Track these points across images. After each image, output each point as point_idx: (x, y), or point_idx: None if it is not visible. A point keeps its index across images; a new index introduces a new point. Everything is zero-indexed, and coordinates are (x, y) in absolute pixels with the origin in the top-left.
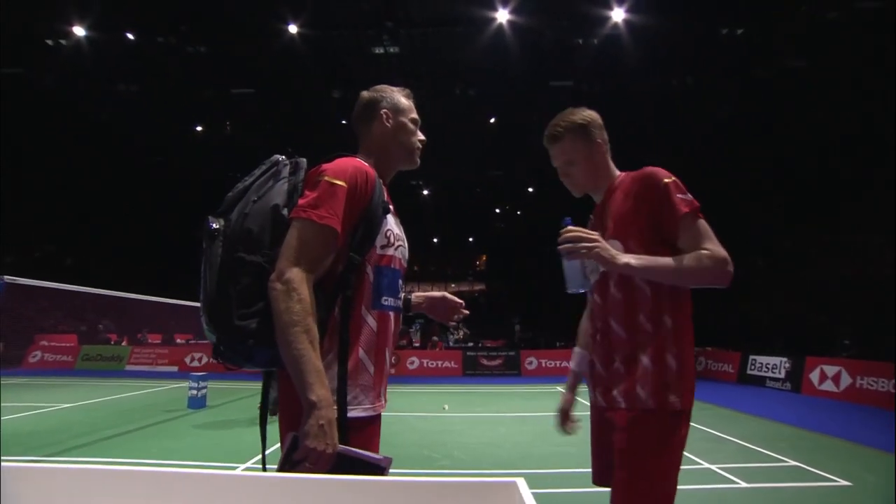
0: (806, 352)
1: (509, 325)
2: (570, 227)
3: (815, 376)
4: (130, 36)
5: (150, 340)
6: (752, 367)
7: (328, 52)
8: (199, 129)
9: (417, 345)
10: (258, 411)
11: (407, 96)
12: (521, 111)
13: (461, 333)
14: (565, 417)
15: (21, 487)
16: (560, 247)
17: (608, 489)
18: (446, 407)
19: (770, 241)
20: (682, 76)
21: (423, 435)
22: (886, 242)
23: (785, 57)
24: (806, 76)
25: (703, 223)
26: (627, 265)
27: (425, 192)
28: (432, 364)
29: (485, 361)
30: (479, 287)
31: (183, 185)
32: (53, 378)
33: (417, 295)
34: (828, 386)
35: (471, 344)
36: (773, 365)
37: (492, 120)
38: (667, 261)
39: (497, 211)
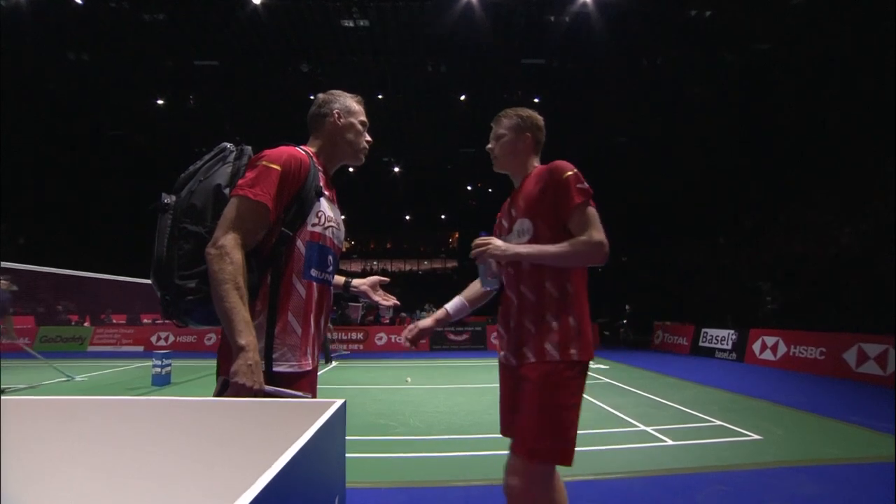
0: (752, 324)
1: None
2: (478, 239)
3: (756, 346)
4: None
5: (114, 321)
6: (704, 340)
7: (295, 23)
8: (160, 102)
9: (387, 322)
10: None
11: (358, 102)
12: (493, 88)
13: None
14: (416, 330)
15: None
16: (471, 253)
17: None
18: (409, 379)
19: (733, 219)
20: (651, 56)
21: (384, 405)
22: (837, 223)
23: (751, 39)
24: (771, 58)
25: (591, 211)
26: (517, 254)
27: (396, 170)
28: (400, 339)
29: (452, 336)
30: (451, 264)
31: (146, 159)
32: (10, 360)
33: (357, 280)
34: (767, 355)
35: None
36: (721, 337)
37: (462, 97)
38: (550, 247)
39: (469, 188)
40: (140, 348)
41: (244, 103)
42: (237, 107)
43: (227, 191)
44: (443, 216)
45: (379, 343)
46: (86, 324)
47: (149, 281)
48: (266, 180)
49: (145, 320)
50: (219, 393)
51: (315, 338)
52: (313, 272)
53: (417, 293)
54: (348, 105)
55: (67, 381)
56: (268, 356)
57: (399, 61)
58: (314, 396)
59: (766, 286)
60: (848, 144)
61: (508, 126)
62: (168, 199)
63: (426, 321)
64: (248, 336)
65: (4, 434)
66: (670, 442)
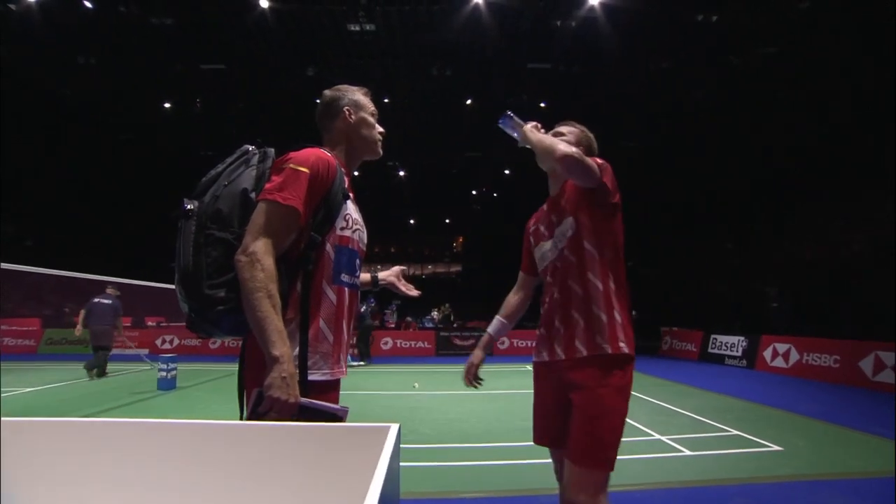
0: (762, 331)
1: (485, 305)
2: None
3: (768, 353)
4: (88, 4)
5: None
6: (713, 346)
7: (302, 28)
8: (167, 105)
9: (392, 326)
10: (230, 389)
11: (365, 94)
12: (499, 92)
13: (440, 314)
14: (474, 370)
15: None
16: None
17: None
18: (416, 385)
19: (739, 224)
20: (657, 60)
21: (393, 412)
22: (847, 227)
23: (758, 44)
24: (778, 63)
25: (596, 162)
26: (524, 132)
27: (402, 174)
28: (406, 344)
29: (458, 341)
30: (455, 268)
31: (152, 163)
32: (15, 363)
33: (383, 273)
34: (779, 362)
35: (451, 324)
36: (731, 343)
37: (468, 101)
38: (542, 135)
39: (474, 192)
40: (146, 351)
41: (250, 107)
42: (243, 111)
43: (253, 195)
44: (447, 220)
45: (385, 347)
46: None
47: (154, 284)
48: (295, 184)
49: (150, 323)
50: (254, 406)
51: (346, 344)
52: (343, 277)
53: (422, 297)
54: (356, 99)
55: (89, 381)
56: (302, 365)
57: (405, 65)
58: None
59: (775, 292)
60: (859, 149)
61: (570, 132)
62: (191, 204)
63: (477, 355)
64: (282, 347)
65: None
66: (687, 452)
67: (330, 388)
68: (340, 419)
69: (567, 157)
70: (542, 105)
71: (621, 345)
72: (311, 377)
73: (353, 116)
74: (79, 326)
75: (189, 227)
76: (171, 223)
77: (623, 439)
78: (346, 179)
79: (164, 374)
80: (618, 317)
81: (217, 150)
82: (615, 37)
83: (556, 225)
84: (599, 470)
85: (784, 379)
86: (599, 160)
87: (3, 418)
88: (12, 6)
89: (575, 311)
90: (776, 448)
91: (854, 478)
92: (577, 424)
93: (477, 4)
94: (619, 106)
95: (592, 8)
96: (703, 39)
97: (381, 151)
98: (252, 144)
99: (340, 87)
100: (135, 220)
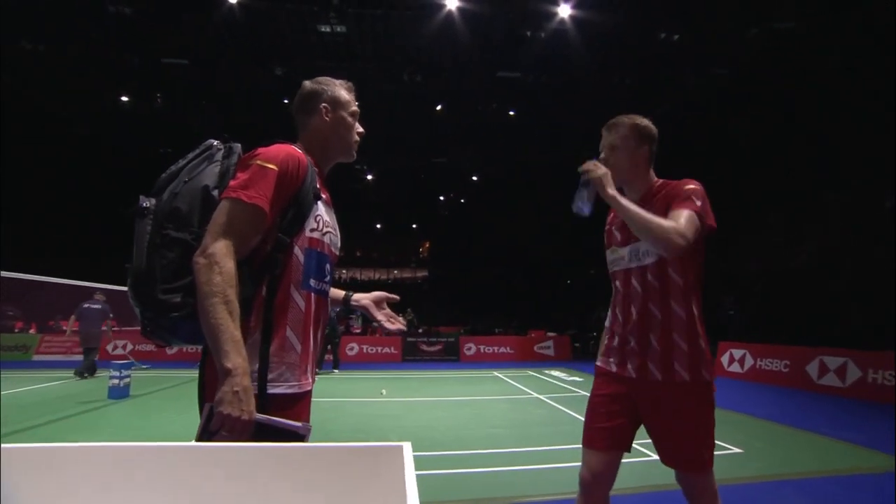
0: (718, 337)
1: (451, 311)
2: (589, 163)
3: (725, 359)
4: None
5: (64, 327)
6: None
7: (271, 26)
8: (124, 99)
9: (358, 331)
10: (189, 396)
11: (349, 90)
12: (468, 99)
13: (405, 320)
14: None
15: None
16: (581, 168)
17: (523, 466)
18: (384, 392)
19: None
20: (621, 74)
21: (361, 419)
22: (791, 240)
23: (714, 64)
24: (731, 83)
25: (693, 215)
26: (612, 197)
27: (369, 178)
28: (372, 350)
29: (424, 347)
30: (421, 273)
31: (105, 159)
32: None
33: (359, 295)
34: (735, 368)
35: (416, 329)
36: None
37: (438, 107)
38: (634, 209)
39: (441, 198)
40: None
41: (214, 105)
42: (207, 108)
43: (215, 193)
44: (414, 225)
45: (350, 353)
46: (31, 331)
47: (104, 286)
48: (261, 181)
49: (102, 327)
50: (204, 424)
51: (314, 354)
52: (312, 282)
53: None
54: (337, 95)
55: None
56: (263, 377)
57: (375, 69)
58: (308, 418)
59: (731, 300)
60: (800, 167)
61: (625, 136)
62: (147, 202)
63: None
64: (235, 358)
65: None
66: (654, 457)
67: (296, 402)
68: (302, 438)
69: (678, 248)
70: (511, 113)
71: (705, 374)
72: (274, 390)
73: (329, 115)
74: (69, 329)
75: (144, 227)
76: (127, 221)
77: None
78: (318, 179)
79: (115, 381)
80: (702, 344)
81: (177, 147)
82: (583, 49)
83: (629, 237)
84: (711, 468)
85: (740, 383)
86: (698, 199)
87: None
88: None
89: (675, 333)
90: (737, 450)
91: (812, 477)
92: (689, 441)
93: (450, 11)
94: (584, 117)
95: (563, 20)
96: (664, 56)
97: (354, 155)
98: (217, 139)
99: (322, 79)
100: (84, 218)
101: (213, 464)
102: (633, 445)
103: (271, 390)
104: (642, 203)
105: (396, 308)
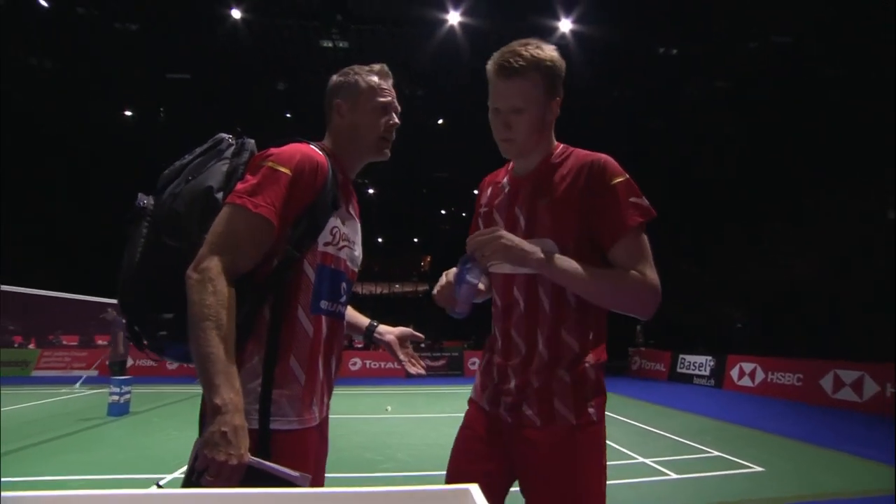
0: (728, 350)
1: (454, 325)
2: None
3: (734, 373)
4: (43, 2)
5: (64, 342)
6: (682, 366)
7: (274, 41)
8: (127, 113)
9: (360, 346)
10: (190, 413)
11: (380, 74)
12: (469, 114)
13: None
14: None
15: None
16: (470, 244)
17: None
18: (389, 408)
19: (700, 247)
20: (621, 88)
21: (366, 437)
22: (799, 251)
23: (713, 77)
24: (733, 94)
25: (644, 239)
26: (541, 263)
27: (371, 191)
28: (375, 365)
29: (429, 362)
30: (422, 288)
31: (106, 173)
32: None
33: (383, 328)
34: (745, 381)
35: (422, 345)
36: (699, 363)
37: (440, 121)
38: (589, 271)
39: (443, 212)
40: (95, 373)
41: (217, 119)
42: (210, 122)
43: (219, 195)
44: (415, 240)
45: (353, 368)
46: (31, 346)
47: (105, 300)
48: (272, 187)
49: (100, 342)
50: (192, 462)
51: (325, 384)
52: (324, 304)
53: (388, 316)
54: (358, 88)
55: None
56: (263, 412)
57: None
58: (323, 451)
59: (738, 313)
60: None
61: (534, 86)
62: (145, 200)
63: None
64: (226, 392)
65: None
66: (673, 475)
67: (298, 439)
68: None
69: (656, 306)
70: None
71: (590, 411)
72: (273, 426)
73: (345, 113)
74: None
75: (139, 231)
76: (124, 225)
77: (609, 463)
78: (340, 185)
79: (115, 397)
80: (591, 374)
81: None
82: (584, 65)
83: (522, 229)
84: None
85: (751, 398)
86: (638, 199)
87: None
88: None
89: (560, 368)
90: (758, 469)
91: (838, 498)
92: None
93: (451, 26)
94: (586, 131)
95: (563, 35)
96: (664, 71)
97: (387, 152)
98: (230, 133)
99: (348, 69)
100: (88, 230)
101: None
102: (647, 463)
103: (272, 426)
104: (536, 178)
105: (397, 323)
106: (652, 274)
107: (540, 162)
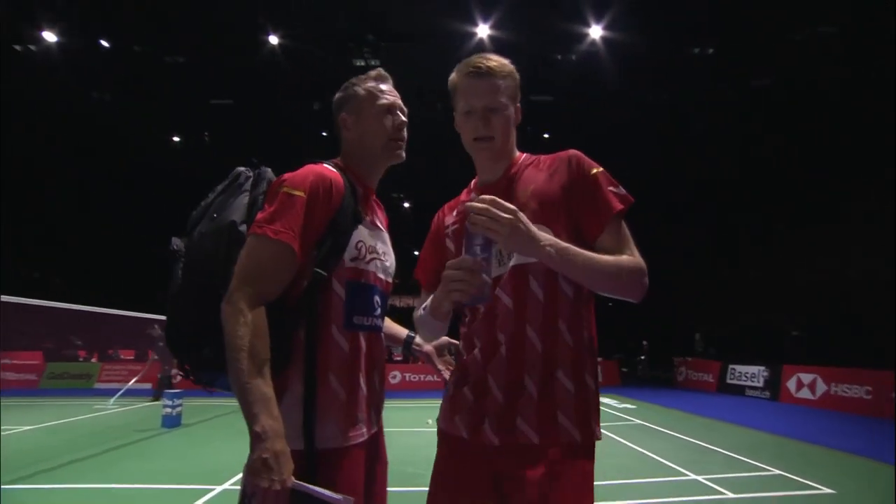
0: (782, 360)
1: None
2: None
3: (792, 384)
4: (105, 43)
5: (122, 356)
6: (732, 377)
7: (309, 63)
8: (176, 139)
9: (399, 358)
10: (239, 424)
11: (376, 78)
12: None
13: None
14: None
15: None
16: (470, 217)
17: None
18: (430, 421)
19: (740, 252)
20: (657, 92)
21: (407, 451)
22: (855, 252)
23: (752, 75)
24: (773, 93)
25: (625, 226)
26: (549, 254)
27: (406, 205)
28: (415, 378)
29: None
30: None
31: (159, 196)
32: (15, 398)
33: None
34: (804, 393)
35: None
36: (751, 374)
37: None
38: (590, 256)
39: None
40: (148, 385)
41: (258, 141)
42: (250, 144)
43: (243, 228)
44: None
45: (393, 381)
46: (93, 360)
47: (159, 317)
48: (289, 212)
49: (154, 357)
50: (243, 489)
51: (368, 399)
52: (357, 319)
53: None
54: (357, 97)
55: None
56: (307, 432)
57: (409, 101)
58: (379, 466)
59: (794, 320)
60: (864, 175)
61: (509, 88)
62: (177, 243)
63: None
64: (266, 419)
65: None
66: (730, 495)
67: (344, 457)
68: None
69: (645, 291)
70: (546, 136)
71: (594, 428)
72: (318, 446)
73: (350, 125)
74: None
75: (175, 272)
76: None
77: (658, 479)
78: (359, 199)
79: (168, 410)
80: (591, 383)
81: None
82: (615, 70)
83: None
84: None
85: (813, 411)
86: (618, 190)
87: None
88: (32, 47)
89: (529, 374)
90: (828, 490)
91: None
92: None
93: (480, 39)
94: (619, 138)
95: (594, 41)
96: (699, 71)
97: (401, 153)
98: (246, 166)
99: (347, 82)
100: (140, 251)
101: None
102: (700, 480)
103: (317, 445)
104: (508, 181)
105: None
106: (639, 257)
107: (507, 167)
